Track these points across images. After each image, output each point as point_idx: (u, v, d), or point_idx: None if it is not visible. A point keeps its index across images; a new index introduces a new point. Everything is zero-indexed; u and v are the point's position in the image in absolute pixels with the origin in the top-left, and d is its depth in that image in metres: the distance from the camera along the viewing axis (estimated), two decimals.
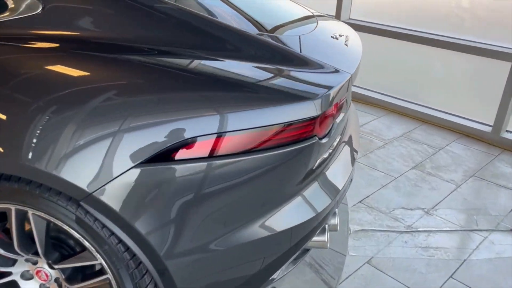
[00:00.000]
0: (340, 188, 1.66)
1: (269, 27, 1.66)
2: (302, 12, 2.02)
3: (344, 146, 1.83)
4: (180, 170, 1.18)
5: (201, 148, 1.18)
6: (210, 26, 1.40)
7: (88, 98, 1.16)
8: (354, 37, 1.93)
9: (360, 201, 2.64)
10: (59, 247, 1.41)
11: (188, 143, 1.17)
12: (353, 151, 1.94)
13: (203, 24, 1.39)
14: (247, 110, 1.21)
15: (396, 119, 3.78)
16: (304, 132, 1.32)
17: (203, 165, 1.19)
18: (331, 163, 1.67)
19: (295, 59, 1.45)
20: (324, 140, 1.41)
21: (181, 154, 1.17)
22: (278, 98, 1.25)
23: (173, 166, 1.17)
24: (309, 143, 1.34)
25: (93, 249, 1.27)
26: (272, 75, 1.35)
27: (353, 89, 4.18)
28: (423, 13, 3.81)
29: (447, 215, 2.55)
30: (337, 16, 4.06)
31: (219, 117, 1.18)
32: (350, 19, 4.11)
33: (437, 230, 2.42)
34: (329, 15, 4.18)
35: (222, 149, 1.19)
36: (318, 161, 1.45)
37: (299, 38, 1.61)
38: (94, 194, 1.16)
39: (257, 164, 1.25)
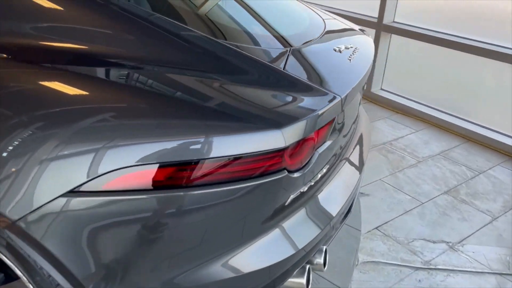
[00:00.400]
0: (334, 214, 1.47)
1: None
2: (310, 18, 1.81)
3: (345, 163, 1.63)
4: (112, 202, 1.03)
5: (137, 179, 1.03)
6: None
7: (13, 120, 1.05)
8: (366, 50, 1.70)
9: (376, 227, 2.38)
10: (7, 268, 1.32)
11: (121, 173, 1.02)
12: (357, 169, 1.72)
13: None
14: (198, 138, 1.05)
15: (436, 134, 3.44)
16: (269, 165, 1.13)
17: (138, 198, 1.04)
18: (326, 184, 1.49)
19: (272, 77, 1.26)
20: (296, 174, 1.21)
21: (112, 184, 1.03)
22: (230, 126, 1.07)
23: (103, 198, 1.03)
24: (274, 177, 1.15)
25: (25, 278, 1.16)
26: (233, 96, 1.17)
27: (391, 97, 3.88)
28: (478, 16, 3.43)
29: (475, 252, 2.24)
30: (380, 19, 3.76)
31: (158, 145, 1.02)
32: (394, 22, 3.79)
33: (459, 270, 2.13)
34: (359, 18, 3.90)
35: (161, 180, 1.04)
36: (292, 197, 1.26)
37: (288, 52, 1.41)
38: (18, 222, 1.05)
39: (205, 199, 1.09)
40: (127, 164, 1.02)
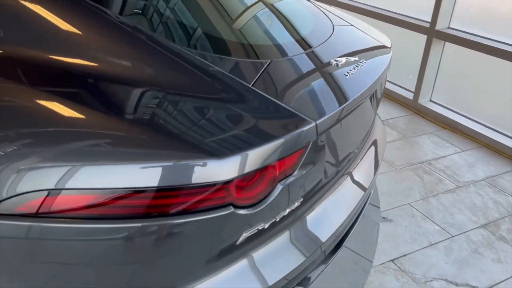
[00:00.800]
0: (323, 240, 1.28)
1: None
2: (315, 24, 1.60)
3: (346, 178, 1.47)
4: (20, 228, 0.92)
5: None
6: None
7: None
8: (373, 66, 1.46)
9: (391, 260, 2.13)
10: None
11: (29, 198, 0.91)
12: (361, 186, 1.52)
13: None
14: (118, 164, 0.91)
15: (484, 156, 3.07)
16: (207, 200, 0.97)
17: (51, 226, 0.91)
18: (318, 204, 1.32)
19: (234, 94, 1.09)
20: (245, 211, 1.03)
21: (22, 208, 0.92)
22: (159, 154, 0.92)
23: (9, 222, 0.92)
24: (216, 214, 0.98)
25: None
26: (170, 118, 1.01)
27: (440, 110, 3.53)
28: None
29: None
30: (432, 24, 3.41)
31: (63, 171, 0.89)
32: (449, 28, 3.43)
33: None
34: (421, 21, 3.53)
35: (70, 208, 0.91)
36: (246, 235, 1.08)
37: (268, 64, 1.23)
38: None
39: (131, 234, 0.94)
40: (31, 189, 0.90)
